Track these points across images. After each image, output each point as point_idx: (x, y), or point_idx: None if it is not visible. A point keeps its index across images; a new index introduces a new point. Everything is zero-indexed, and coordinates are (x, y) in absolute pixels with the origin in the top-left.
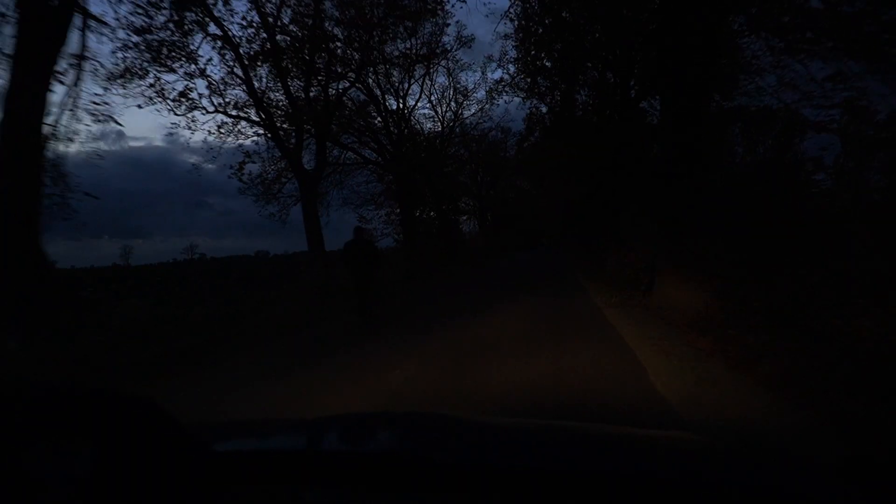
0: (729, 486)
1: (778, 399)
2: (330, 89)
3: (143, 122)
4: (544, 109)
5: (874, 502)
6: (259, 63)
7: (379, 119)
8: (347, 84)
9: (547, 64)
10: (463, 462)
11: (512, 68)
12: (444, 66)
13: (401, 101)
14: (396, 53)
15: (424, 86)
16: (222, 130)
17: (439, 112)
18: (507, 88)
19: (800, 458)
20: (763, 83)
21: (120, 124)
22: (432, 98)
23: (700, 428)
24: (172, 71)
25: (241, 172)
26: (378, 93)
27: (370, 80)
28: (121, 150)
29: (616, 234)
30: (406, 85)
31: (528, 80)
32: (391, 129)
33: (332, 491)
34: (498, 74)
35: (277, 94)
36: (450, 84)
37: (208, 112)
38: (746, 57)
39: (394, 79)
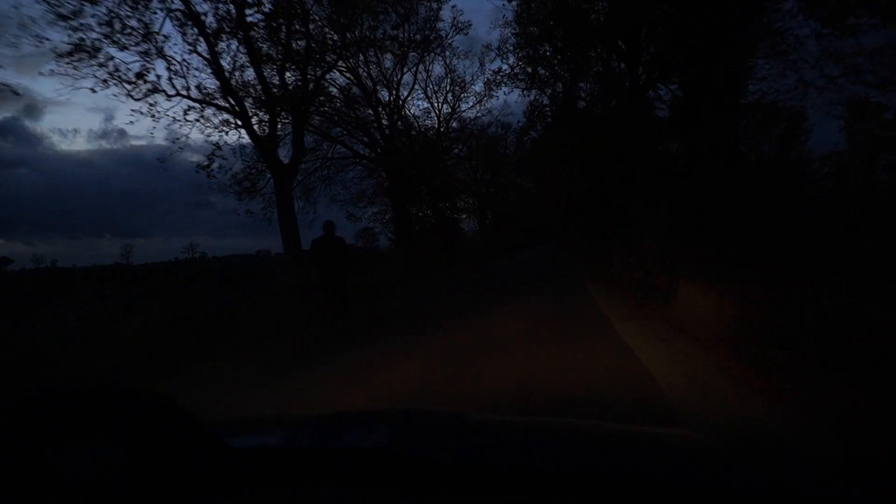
0: (729, 484)
1: None
2: (309, 74)
3: (145, 121)
4: (546, 101)
5: (874, 502)
6: (225, 36)
7: (370, 111)
8: (330, 68)
9: (548, 52)
10: (467, 461)
11: (512, 58)
12: (439, 55)
13: (393, 91)
14: (387, 39)
15: (419, 76)
16: (188, 117)
17: (435, 106)
18: (506, 79)
19: (800, 457)
20: (804, 54)
21: (16, 93)
22: (428, 90)
23: (701, 427)
24: (125, 48)
25: (210, 167)
26: (369, 83)
27: (361, 71)
28: (122, 149)
29: (621, 232)
30: (399, 75)
31: (529, 69)
32: (383, 121)
33: (337, 489)
34: (497, 65)
35: (249, 78)
36: (446, 75)
37: (169, 96)
38: (784, 27)
39: (386, 68)
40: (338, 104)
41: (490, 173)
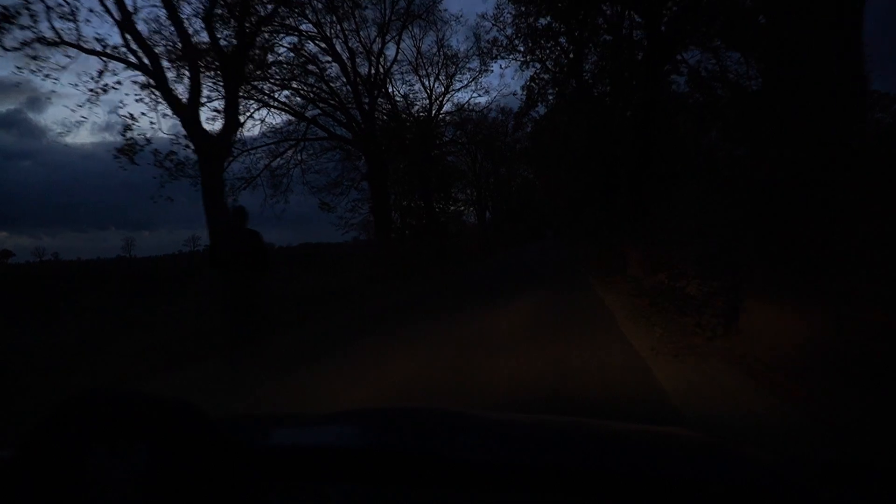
0: (725, 484)
1: None
2: (248, 24)
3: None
4: (547, 76)
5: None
6: None
7: (348, 87)
8: (275, 10)
9: (549, 23)
10: (477, 460)
11: (510, 30)
12: (424, 20)
13: (373, 62)
14: None
15: (409, 52)
16: (101, 84)
17: (426, 84)
18: (502, 52)
19: (797, 457)
20: None
21: None
22: (418, 67)
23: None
24: None
25: (132, 150)
26: (346, 55)
27: (337, 42)
28: (126, 141)
29: (639, 226)
30: (380, 43)
31: (529, 41)
32: (363, 99)
33: (344, 487)
34: (493, 35)
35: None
36: (438, 49)
37: (51, 43)
38: None
39: (365, 37)
40: (312, 80)
41: (490, 162)
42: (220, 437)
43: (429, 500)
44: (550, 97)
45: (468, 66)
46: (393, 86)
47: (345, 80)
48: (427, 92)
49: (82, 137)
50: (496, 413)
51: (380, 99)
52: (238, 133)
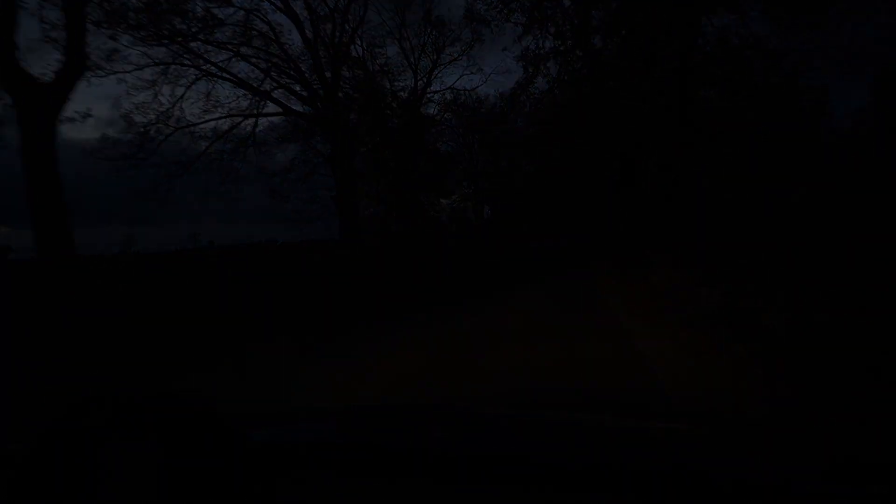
0: (724, 478)
1: None
2: None
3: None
4: (549, 42)
5: (866, 500)
6: None
7: (311, 60)
8: None
9: None
10: (484, 456)
11: None
12: None
13: (337, 21)
14: None
15: (386, 10)
16: None
17: (411, 59)
18: (497, 16)
19: (799, 456)
20: None
21: None
22: (399, 35)
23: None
24: None
25: None
26: (305, 14)
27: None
28: (130, 137)
29: (671, 220)
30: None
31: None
32: (323, 67)
33: (352, 483)
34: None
35: None
36: (426, 15)
37: None
38: None
39: None
40: (259, 43)
41: (489, 151)
42: (229, 434)
43: (431, 495)
44: (551, 67)
45: (460, 36)
46: (371, 58)
47: (302, 42)
48: (412, 68)
49: (86, 133)
50: (499, 410)
51: (348, 71)
52: (176, 107)
